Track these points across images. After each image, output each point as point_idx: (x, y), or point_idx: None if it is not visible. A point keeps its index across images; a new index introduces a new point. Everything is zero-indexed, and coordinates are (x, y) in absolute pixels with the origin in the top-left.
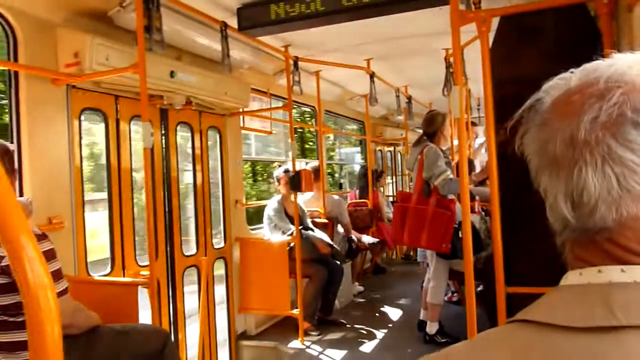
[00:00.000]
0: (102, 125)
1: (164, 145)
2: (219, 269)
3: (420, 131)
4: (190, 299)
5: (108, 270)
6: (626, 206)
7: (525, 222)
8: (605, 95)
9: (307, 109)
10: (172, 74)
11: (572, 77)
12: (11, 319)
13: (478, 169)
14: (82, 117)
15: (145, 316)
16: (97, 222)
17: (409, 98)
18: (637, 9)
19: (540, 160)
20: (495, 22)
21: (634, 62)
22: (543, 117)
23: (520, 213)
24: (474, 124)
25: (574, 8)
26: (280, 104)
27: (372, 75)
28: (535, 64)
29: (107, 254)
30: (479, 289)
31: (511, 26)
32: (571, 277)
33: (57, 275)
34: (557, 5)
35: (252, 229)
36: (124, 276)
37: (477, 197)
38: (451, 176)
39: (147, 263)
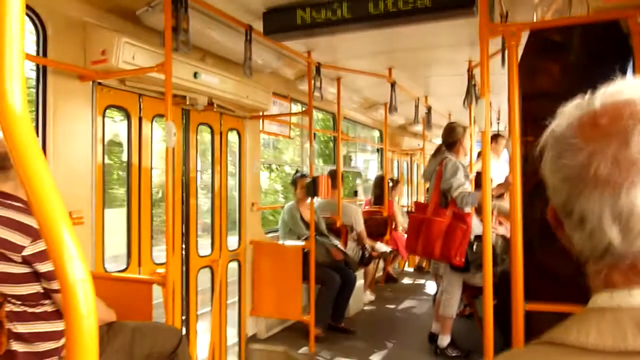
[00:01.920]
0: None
1: (184, 146)
2: (233, 271)
3: (438, 142)
4: (203, 299)
5: (124, 266)
6: None
7: (542, 240)
8: None
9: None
10: (195, 75)
11: (592, 101)
12: (30, 310)
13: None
14: (106, 114)
15: (157, 314)
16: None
17: (429, 108)
18: None
19: (577, 186)
20: (524, 35)
21: None
22: (569, 142)
23: (537, 230)
24: (501, 136)
25: (604, 25)
26: (300, 108)
27: (393, 84)
28: (560, 79)
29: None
30: (494, 303)
31: (536, 40)
32: (601, 300)
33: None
34: (588, 22)
35: (265, 233)
36: (139, 273)
37: (494, 211)
38: (469, 189)
39: (162, 261)
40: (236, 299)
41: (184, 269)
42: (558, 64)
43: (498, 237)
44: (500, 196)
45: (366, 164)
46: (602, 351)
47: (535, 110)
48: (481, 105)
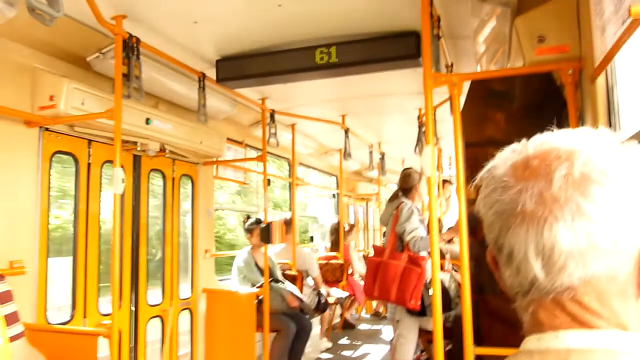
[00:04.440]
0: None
1: (134, 192)
2: (185, 321)
3: (393, 187)
4: (154, 351)
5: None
6: (592, 263)
7: (493, 284)
8: (571, 157)
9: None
10: (147, 121)
11: (527, 146)
12: None
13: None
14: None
15: None
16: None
17: (383, 154)
18: (600, 79)
19: (506, 220)
20: (466, 85)
21: (582, 134)
22: (502, 180)
23: (489, 273)
24: (448, 182)
25: (541, 77)
26: (255, 154)
27: (346, 131)
28: (503, 126)
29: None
30: (447, 348)
31: (481, 89)
32: (530, 343)
33: (12, 319)
34: (524, 74)
35: (219, 280)
36: (84, 325)
37: (447, 255)
38: (422, 234)
39: (110, 312)
40: (188, 350)
41: (132, 319)
42: (502, 113)
43: (452, 281)
44: (451, 240)
45: (322, 210)
46: None
47: (480, 157)
48: (426, 151)
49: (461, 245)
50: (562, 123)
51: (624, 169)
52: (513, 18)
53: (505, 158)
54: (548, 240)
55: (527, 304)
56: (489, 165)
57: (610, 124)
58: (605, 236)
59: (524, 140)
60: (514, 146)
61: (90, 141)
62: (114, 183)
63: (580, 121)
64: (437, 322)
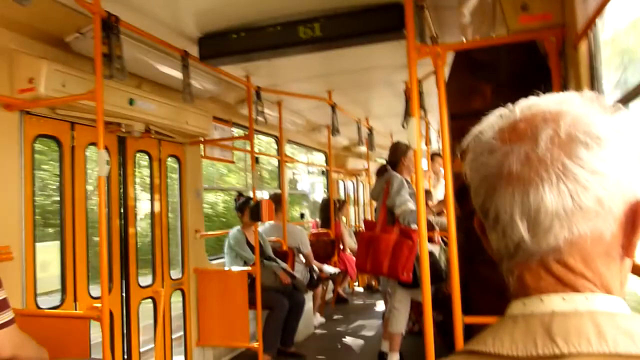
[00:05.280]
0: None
1: (121, 174)
2: (177, 301)
3: (383, 161)
4: (146, 332)
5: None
6: (577, 224)
7: (483, 253)
8: (558, 119)
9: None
10: (131, 102)
11: (514, 110)
12: None
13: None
14: (36, 144)
15: (99, 351)
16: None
17: (371, 129)
18: (582, 46)
19: (493, 184)
20: (451, 56)
21: (568, 98)
22: (490, 143)
23: (478, 243)
24: (437, 155)
25: (525, 45)
26: (242, 133)
27: (333, 107)
28: (489, 98)
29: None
30: (439, 319)
31: (467, 61)
32: (515, 307)
33: (2, 305)
34: (507, 43)
35: (211, 259)
36: (75, 309)
37: (437, 228)
38: (412, 207)
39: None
40: (182, 332)
41: (124, 301)
42: (488, 84)
43: (441, 253)
44: (440, 213)
45: (312, 186)
46: (516, 357)
47: (467, 129)
48: (412, 124)
49: (449, 217)
50: (547, 92)
51: (609, 130)
52: None
53: (492, 122)
54: (534, 201)
55: (513, 267)
56: (476, 130)
57: (593, 89)
58: (590, 196)
59: (510, 105)
60: (501, 111)
61: (73, 124)
62: (98, 165)
63: (564, 89)
64: (426, 293)
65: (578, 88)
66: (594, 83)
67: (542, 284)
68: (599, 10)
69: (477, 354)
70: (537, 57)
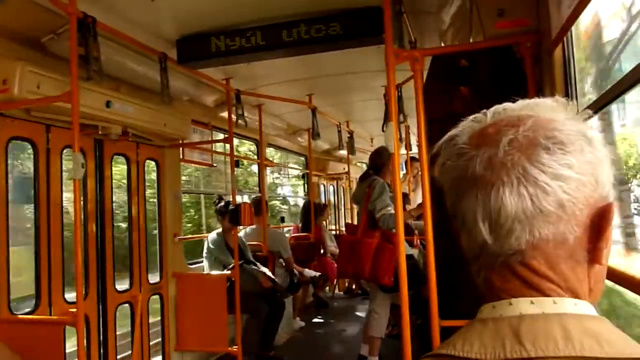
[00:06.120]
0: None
1: (98, 177)
2: (155, 306)
3: (363, 166)
4: (124, 338)
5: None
6: (539, 227)
7: (460, 256)
8: (519, 123)
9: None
10: (108, 104)
11: (487, 115)
12: None
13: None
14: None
15: (75, 358)
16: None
17: (351, 133)
18: (557, 52)
19: (460, 186)
20: (430, 61)
21: (538, 103)
22: (460, 147)
23: (455, 247)
24: (416, 159)
25: (503, 51)
26: (222, 136)
27: (314, 110)
28: (468, 102)
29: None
30: (418, 322)
31: (447, 65)
32: (485, 310)
33: None
34: (484, 48)
35: (190, 264)
36: (50, 314)
37: (416, 231)
38: (393, 211)
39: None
40: (160, 339)
41: (100, 306)
42: (467, 89)
43: (420, 256)
44: (420, 217)
45: (294, 190)
46: None
47: (446, 133)
48: (389, 128)
49: (426, 221)
50: (524, 96)
51: (575, 136)
52: None
53: (465, 127)
54: (495, 204)
55: (479, 268)
56: (450, 134)
57: (567, 95)
58: (551, 200)
59: (485, 110)
60: (476, 116)
61: (48, 126)
62: (73, 168)
63: (540, 93)
64: (404, 297)
65: (553, 93)
66: (568, 88)
67: (508, 286)
68: (573, 18)
69: (446, 358)
70: (515, 62)
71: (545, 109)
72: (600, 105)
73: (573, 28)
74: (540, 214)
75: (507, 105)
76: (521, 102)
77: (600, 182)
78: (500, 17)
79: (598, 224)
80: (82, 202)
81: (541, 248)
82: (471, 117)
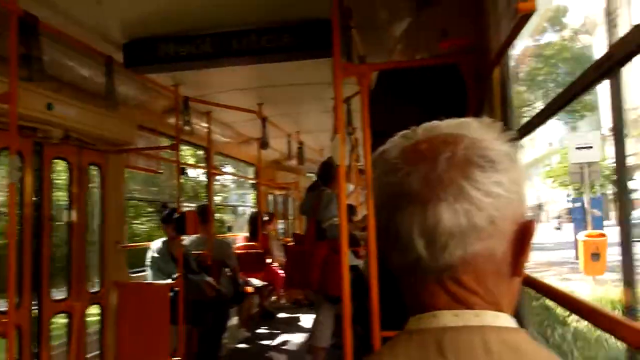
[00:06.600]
0: None
1: (36, 182)
2: (94, 316)
3: (312, 176)
4: (59, 350)
5: None
6: (471, 243)
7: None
8: (456, 142)
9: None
10: (49, 106)
11: (417, 132)
12: None
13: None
14: None
15: None
16: None
17: (301, 144)
18: (496, 73)
19: (394, 202)
20: (381, 77)
21: (468, 122)
22: (393, 163)
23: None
24: (363, 171)
25: (449, 68)
26: (169, 142)
27: (264, 120)
28: (413, 117)
29: None
30: (362, 333)
31: (394, 80)
32: (411, 322)
33: None
34: (430, 64)
35: (132, 273)
36: None
37: (362, 242)
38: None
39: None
40: (98, 346)
41: (34, 317)
42: (413, 104)
43: (366, 267)
44: (365, 228)
45: (241, 199)
46: None
47: None
48: (336, 141)
49: (369, 232)
50: (467, 114)
51: (502, 155)
52: (420, 11)
53: (396, 143)
54: (432, 219)
55: (412, 284)
56: (381, 150)
57: (504, 116)
58: (484, 216)
59: (414, 127)
60: (405, 132)
61: None
62: (8, 172)
63: (480, 112)
64: (346, 307)
65: (491, 112)
66: (505, 110)
67: (436, 301)
68: (509, 41)
69: None
70: (460, 80)
71: (475, 128)
72: (528, 130)
73: (510, 50)
74: (474, 230)
75: (436, 123)
76: (451, 121)
77: (523, 199)
78: (444, 36)
79: (521, 239)
80: (18, 207)
81: (472, 263)
82: (400, 134)
